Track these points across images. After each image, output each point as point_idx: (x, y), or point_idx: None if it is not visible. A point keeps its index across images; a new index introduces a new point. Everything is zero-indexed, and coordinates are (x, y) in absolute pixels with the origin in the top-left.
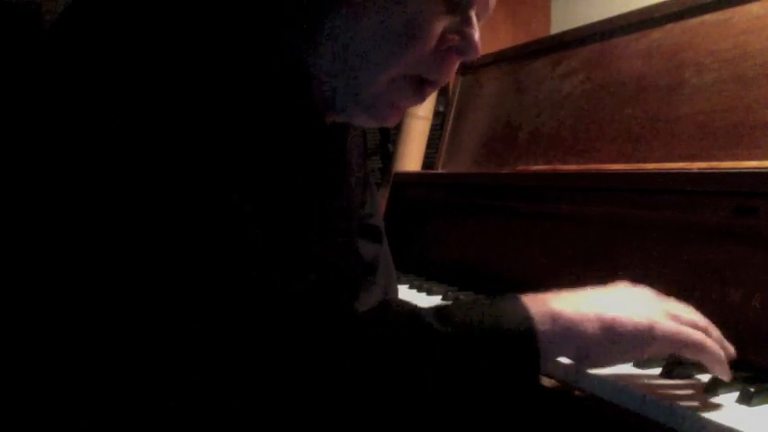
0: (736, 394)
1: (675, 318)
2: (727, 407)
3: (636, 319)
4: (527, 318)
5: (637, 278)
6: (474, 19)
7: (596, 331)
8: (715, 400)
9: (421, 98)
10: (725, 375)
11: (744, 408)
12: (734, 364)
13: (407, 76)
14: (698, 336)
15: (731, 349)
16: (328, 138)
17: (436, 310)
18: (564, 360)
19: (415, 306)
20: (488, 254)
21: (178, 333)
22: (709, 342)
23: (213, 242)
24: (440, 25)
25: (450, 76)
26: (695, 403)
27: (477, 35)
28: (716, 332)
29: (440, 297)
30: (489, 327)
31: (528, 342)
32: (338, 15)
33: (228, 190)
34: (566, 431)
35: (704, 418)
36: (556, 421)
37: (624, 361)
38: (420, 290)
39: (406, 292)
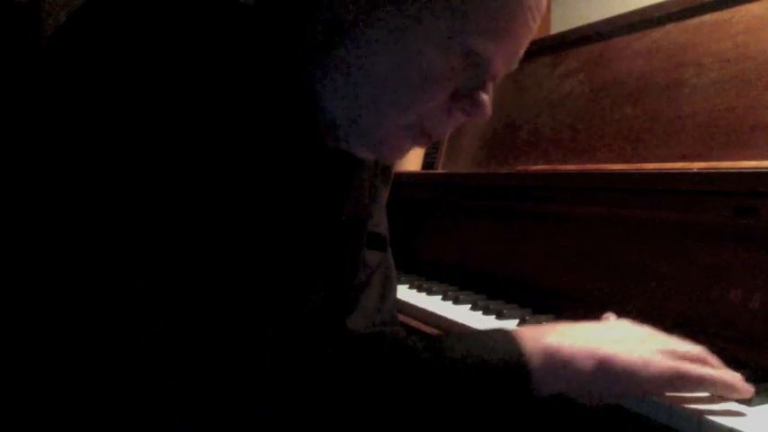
0: None
1: (672, 353)
2: (728, 407)
3: (631, 357)
4: (520, 354)
5: (637, 278)
6: (489, 85)
7: (591, 368)
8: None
9: (424, 143)
10: (742, 393)
11: (744, 408)
12: (734, 364)
13: (413, 125)
14: (694, 370)
15: (736, 376)
16: (333, 159)
17: (429, 341)
18: None
19: (408, 338)
20: (488, 254)
21: (177, 343)
22: (707, 371)
23: (215, 256)
24: (453, 82)
25: (452, 130)
26: (696, 403)
27: (487, 99)
28: (715, 361)
29: (440, 297)
30: (481, 362)
31: (520, 379)
32: (350, 47)
33: (233, 205)
34: (563, 429)
35: (704, 418)
36: (554, 421)
37: (621, 397)
38: (420, 290)
39: (406, 292)
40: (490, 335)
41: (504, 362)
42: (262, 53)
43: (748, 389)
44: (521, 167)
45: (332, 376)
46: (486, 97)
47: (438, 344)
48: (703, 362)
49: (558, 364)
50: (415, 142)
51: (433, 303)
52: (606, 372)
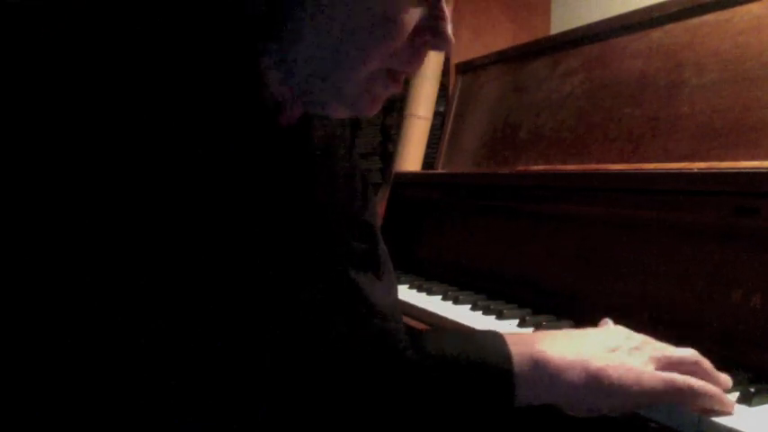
0: (736, 394)
1: (666, 360)
2: None
3: (621, 372)
4: (507, 360)
5: (636, 278)
6: (445, 9)
7: (580, 382)
8: None
9: (397, 87)
10: (725, 407)
11: (744, 408)
12: (734, 364)
13: (383, 69)
14: (685, 383)
15: (725, 379)
16: (290, 138)
17: (416, 338)
18: None
19: (395, 334)
20: (488, 254)
21: (176, 343)
22: (698, 385)
23: (211, 252)
24: (412, 18)
25: (422, 64)
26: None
27: (449, 27)
28: (705, 365)
29: (440, 297)
30: (466, 364)
31: (504, 385)
32: (304, 14)
33: (227, 197)
34: (558, 428)
35: (704, 418)
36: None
37: (610, 411)
38: (420, 290)
39: (406, 292)
40: (480, 336)
41: (489, 365)
42: (197, 36)
43: (732, 403)
44: (521, 167)
45: (327, 375)
46: (447, 25)
47: (423, 341)
48: (694, 365)
49: (546, 375)
50: (388, 88)
51: (433, 303)
52: (597, 386)
